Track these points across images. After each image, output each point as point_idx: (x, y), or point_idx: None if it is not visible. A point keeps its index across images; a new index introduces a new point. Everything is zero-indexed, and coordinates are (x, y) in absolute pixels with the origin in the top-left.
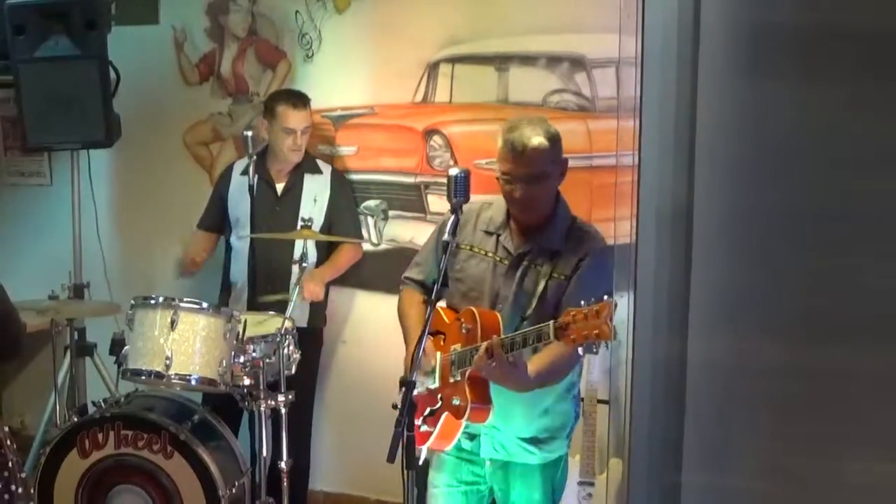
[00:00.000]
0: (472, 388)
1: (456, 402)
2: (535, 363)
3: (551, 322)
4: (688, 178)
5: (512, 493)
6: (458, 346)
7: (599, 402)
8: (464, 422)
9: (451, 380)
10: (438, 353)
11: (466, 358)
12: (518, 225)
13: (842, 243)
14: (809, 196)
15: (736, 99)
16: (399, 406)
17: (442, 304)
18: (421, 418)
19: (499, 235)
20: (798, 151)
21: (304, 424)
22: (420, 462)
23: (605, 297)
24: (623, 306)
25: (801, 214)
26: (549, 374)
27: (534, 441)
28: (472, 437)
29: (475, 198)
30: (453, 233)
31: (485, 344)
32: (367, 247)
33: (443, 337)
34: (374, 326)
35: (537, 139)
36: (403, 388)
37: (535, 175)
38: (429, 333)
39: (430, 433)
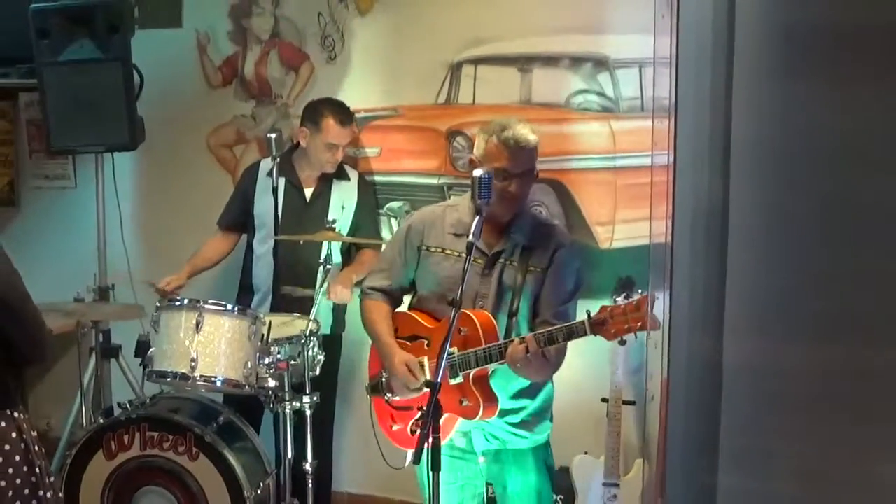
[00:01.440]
0: (479, 388)
1: (465, 403)
2: (550, 353)
3: (585, 319)
4: (723, 178)
5: (509, 481)
6: (454, 350)
7: (624, 403)
8: (477, 420)
9: (452, 382)
10: (425, 359)
11: (472, 359)
12: (489, 224)
13: (881, 243)
14: (847, 195)
15: (771, 98)
16: (423, 409)
17: (403, 308)
18: (409, 425)
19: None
20: (835, 150)
21: (327, 426)
22: (407, 464)
23: (639, 292)
24: (659, 308)
25: (839, 214)
26: (558, 362)
27: (523, 425)
28: (464, 433)
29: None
30: (478, 234)
31: (517, 341)
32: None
33: (425, 341)
34: None
35: (532, 136)
36: (428, 391)
37: (530, 170)
38: (405, 339)
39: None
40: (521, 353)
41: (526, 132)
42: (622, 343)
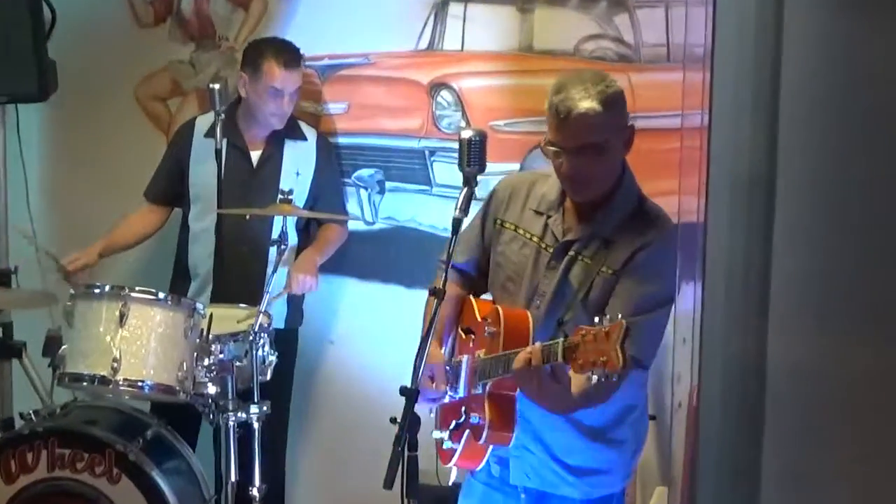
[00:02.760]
0: (492, 406)
1: (475, 419)
2: (580, 379)
3: (561, 340)
4: (769, 142)
5: None
6: (482, 353)
7: None
8: (483, 442)
9: (474, 391)
10: (466, 357)
11: (489, 368)
12: (574, 205)
13: None
14: None
15: (828, 41)
16: (399, 420)
17: (483, 296)
18: (447, 432)
19: (548, 217)
20: None
21: (279, 442)
22: (451, 483)
23: (623, 315)
24: (689, 298)
25: None
26: (596, 394)
27: (576, 471)
28: (499, 459)
29: (495, 167)
30: (465, 209)
31: (525, 351)
32: (359, 226)
33: (473, 337)
34: (367, 323)
35: (587, 103)
36: (405, 399)
37: (583, 146)
38: (461, 331)
39: (454, 450)
40: (522, 363)
41: (580, 97)
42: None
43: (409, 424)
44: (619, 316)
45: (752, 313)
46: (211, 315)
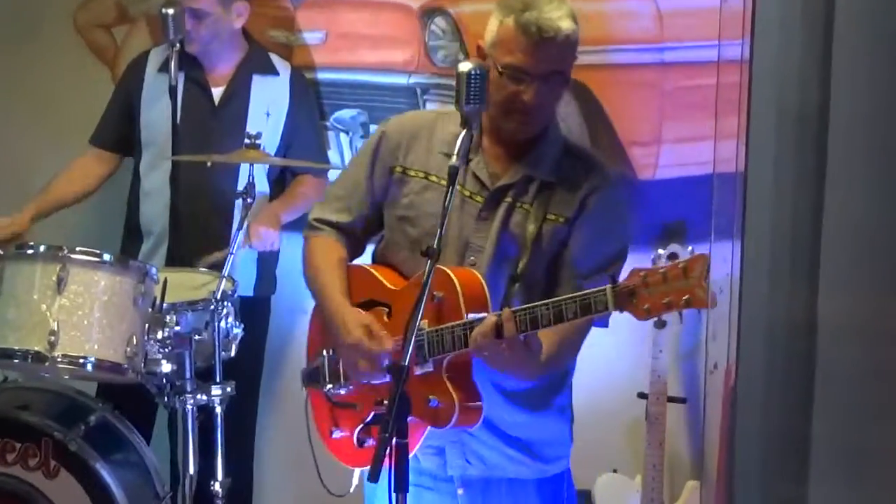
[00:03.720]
0: (455, 382)
1: (433, 403)
2: (545, 343)
3: (608, 287)
4: (821, 73)
5: None
6: (425, 324)
7: (671, 400)
8: (450, 428)
9: (418, 371)
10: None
11: (446, 339)
12: (498, 145)
13: None
14: None
15: None
16: (387, 404)
17: (361, 261)
18: (356, 431)
19: (468, 160)
20: None
21: (246, 430)
22: (351, 490)
23: (690, 250)
24: (726, 256)
25: None
26: (559, 356)
27: (526, 445)
28: (437, 449)
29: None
30: (465, 155)
31: (491, 318)
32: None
33: (386, 310)
34: None
35: (567, 23)
36: (391, 379)
37: (553, 73)
38: (358, 306)
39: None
40: (488, 335)
41: (558, 16)
42: (660, 326)
43: (397, 406)
44: (601, 274)
45: (799, 270)
46: (165, 280)
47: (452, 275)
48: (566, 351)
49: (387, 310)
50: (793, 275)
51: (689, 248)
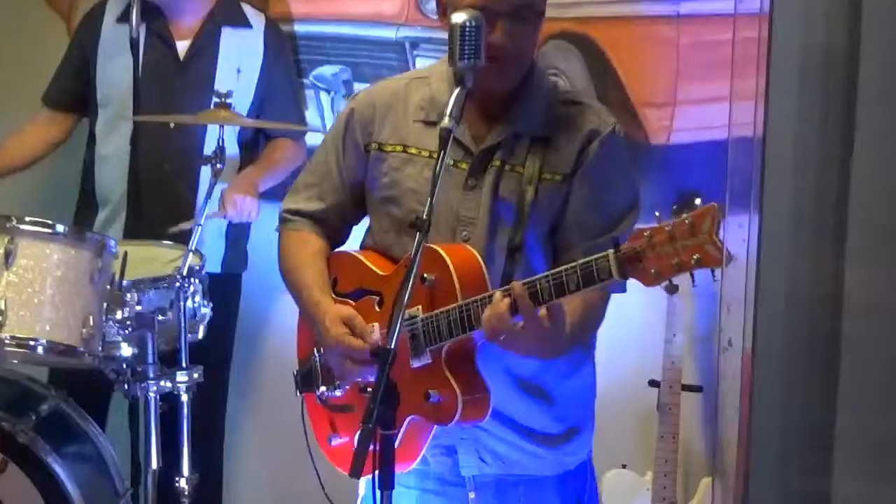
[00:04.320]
0: (457, 373)
1: (434, 398)
2: (568, 311)
3: (610, 252)
4: (849, 11)
5: None
6: (418, 310)
7: (685, 388)
8: (454, 425)
9: (415, 363)
10: (375, 325)
11: (443, 325)
12: (480, 105)
13: None
14: None
15: None
16: (370, 392)
17: (348, 246)
18: (356, 436)
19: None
20: None
21: (215, 419)
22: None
23: (607, 228)
24: (742, 223)
25: None
26: (585, 324)
27: (544, 439)
28: (446, 449)
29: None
30: (458, 116)
31: (498, 295)
32: (320, 138)
33: (376, 299)
34: None
35: None
36: (378, 364)
37: (520, 8)
38: (347, 295)
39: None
40: (503, 314)
41: None
42: (671, 290)
43: (383, 394)
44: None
45: (823, 239)
46: (126, 254)
47: (443, 252)
48: (592, 316)
49: (377, 298)
50: (816, 245)
51: (697, 200)
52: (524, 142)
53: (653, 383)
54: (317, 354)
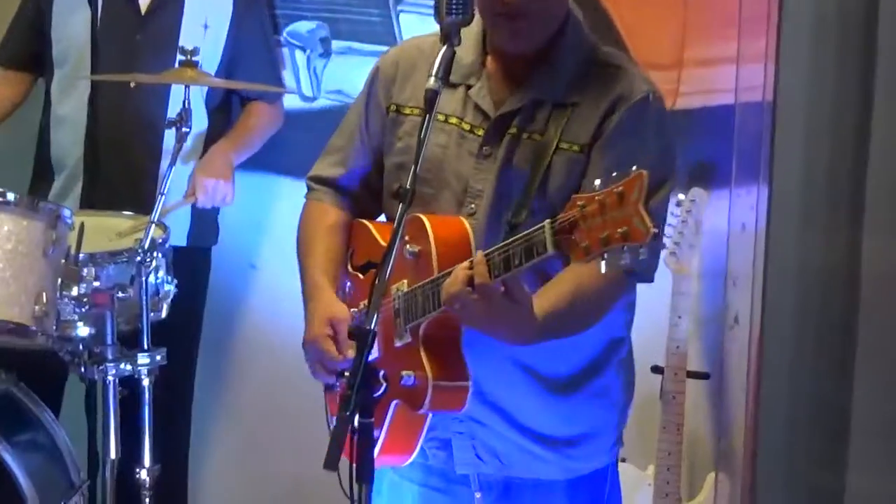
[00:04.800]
0: (430, 354)
1: (408, 380)
2: (546, 296)
3: (546, 222)
4: None
5: None
6: (402, 285)
7: (690, 375)
8: (426, 414)
9: (398, 342)
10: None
11: (419, 301)
12: (501, 66)
13: None
14: None
15: None
16: (348, 376)
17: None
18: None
19: (468, 87)
20: None
21: (181, 406)
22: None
23: (633, 170)
24: (751, 190)
25: None
26: (570, 314)
27: (551, 441)
28: (441, 442)
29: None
30: (444, 76)
31: (461, 267)
32: (294, 102)
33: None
34: None
35: None
36: (356, 345)
37: None
38: (358, 270)
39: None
40: (458, 284)
41: None
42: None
43: (361, 379)
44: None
45: (839, 207)
46: (82, 225)
47: (427, 223)
48: (585, 307)
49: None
50: (829, 214)
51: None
52: (546, 108)
53: (655, 369)
54: None
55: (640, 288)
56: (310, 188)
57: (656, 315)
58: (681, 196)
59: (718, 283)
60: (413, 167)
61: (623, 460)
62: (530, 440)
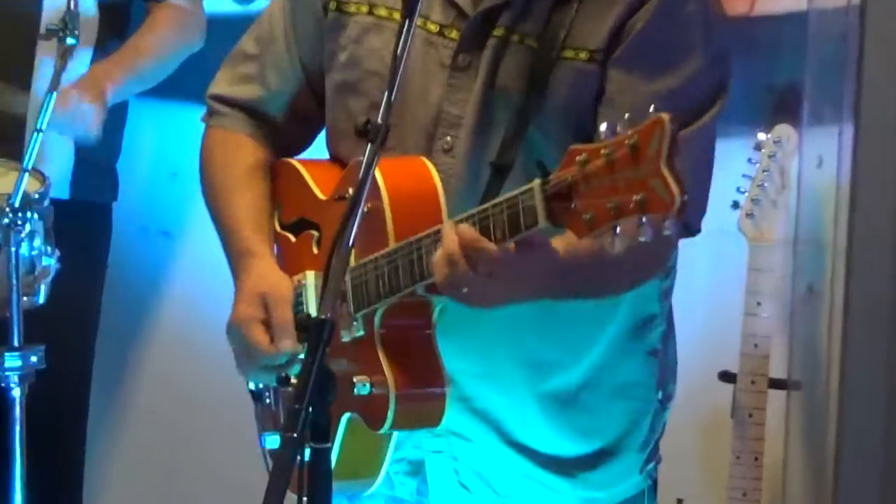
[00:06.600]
0: (391, 351)
1: (363, 388)
2: (564, 243)
3: (535, 183)
4: None
5: None
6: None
7: (773, 385)
8: (390, 433)
9: (345, 336)
10: (311, 274)
11: (372, 281)
12: None
13: None
14: None
15: None
16: (295, 384)
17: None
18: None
19: None
20: None
21: (71, 425)
22: None
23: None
24: (832, 133)
25: None
26: (599, 266)
27: (559, 462)
28: (412, 466)
29: None
30: None
31: (446, 226)
32: (221, 5)
33: (315, 235)
34: None
35: None
36: (306, 338)
37: None
38: (288, 228)
39: None
40: (445, 269)
41: None
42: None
43: (315, 383)
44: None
45: None
46: None
47: (377, 172)
48: (598, 275)
49: (316, 234)
50: None
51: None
52: (542, 2)
53: (725, 377)
54: None
55: (705, 258)
56: (213, 110)
57: (726, 300)
58: (761, 136)
59: (818, 252)
60: (387, 93)
61: (680, 501)
62: (531, 461)
